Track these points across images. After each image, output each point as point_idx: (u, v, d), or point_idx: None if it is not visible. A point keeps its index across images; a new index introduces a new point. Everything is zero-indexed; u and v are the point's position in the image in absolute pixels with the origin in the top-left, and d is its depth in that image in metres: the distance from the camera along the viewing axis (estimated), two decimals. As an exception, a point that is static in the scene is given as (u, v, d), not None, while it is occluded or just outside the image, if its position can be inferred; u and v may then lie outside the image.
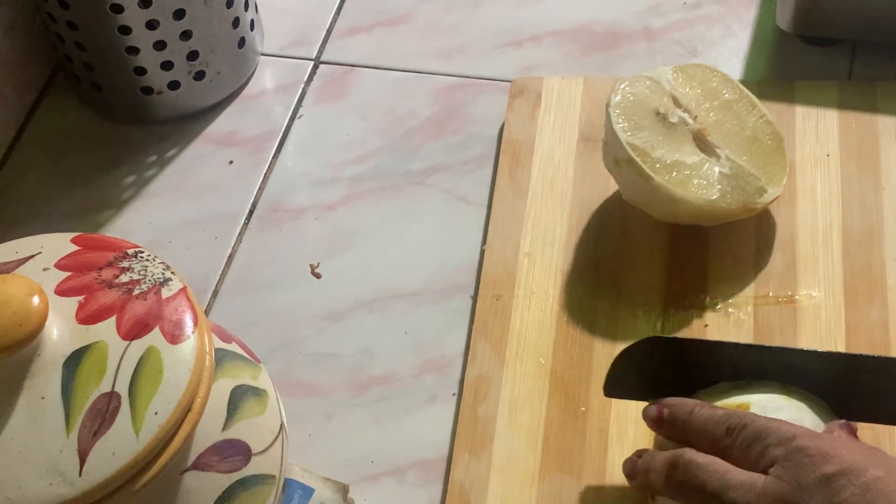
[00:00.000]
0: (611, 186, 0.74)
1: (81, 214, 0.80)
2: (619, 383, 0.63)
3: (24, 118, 0.86)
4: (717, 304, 0.69)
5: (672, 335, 0.68)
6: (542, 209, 0.75)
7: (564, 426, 0.66)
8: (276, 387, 0.62)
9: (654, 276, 0.71)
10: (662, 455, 0.57)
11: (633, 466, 0.59)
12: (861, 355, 0.61)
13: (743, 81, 0.75)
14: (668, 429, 0.59)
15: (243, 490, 0.57)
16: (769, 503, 0.52)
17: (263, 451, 0.58)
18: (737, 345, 0.62)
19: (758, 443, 0.54)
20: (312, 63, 0.87)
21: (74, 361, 0.52)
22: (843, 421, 0.58)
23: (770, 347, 0.61)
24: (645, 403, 0.62)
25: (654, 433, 0.63)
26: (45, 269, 0.55)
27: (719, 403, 0.59)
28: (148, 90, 0.81)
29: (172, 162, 0.82)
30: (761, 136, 0.71)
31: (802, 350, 0.62)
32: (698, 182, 0.68)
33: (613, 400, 0.66)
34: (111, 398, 0.51)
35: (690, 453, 0.56)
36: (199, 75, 0.82)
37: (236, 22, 0.82)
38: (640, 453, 0.60)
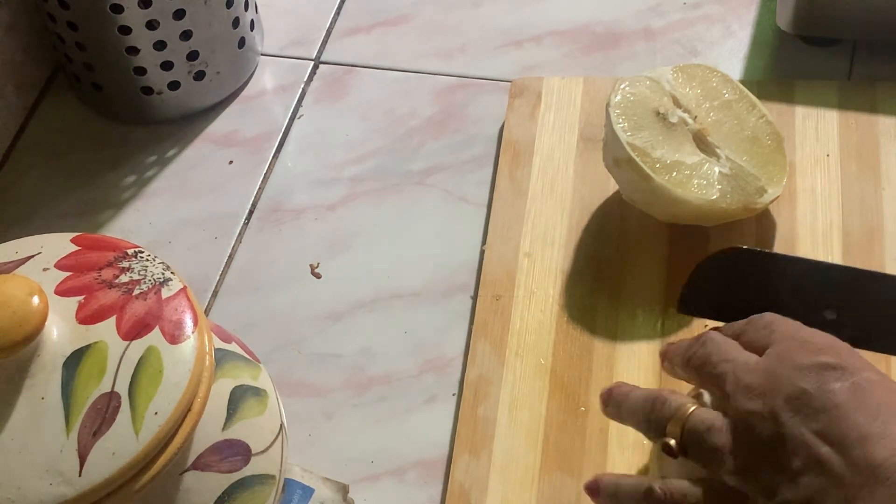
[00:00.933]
0: (611, 186, 0.74)
1: (81, 214, 0.80)
2: (695, 299, 0.63)
3: (24, 118, 0.86)
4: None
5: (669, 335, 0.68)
6: (542, 209, 0.75)
7: (564, 426, 0.66)
8: (276, 387, 0.62)
9: (654, 276, 0.71)
10: (690, 339, 0.59)
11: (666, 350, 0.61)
12: None
13: (743, 81, 0.75)
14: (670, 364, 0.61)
15: (243, 490, 0.57)
16: (756, 374, 0.53)
17: (263, 451, 0.58)
18: (826, 265, 0.63)
19: (766, 328, 0.56)
20: (312, 63, 0.87)
21: (74, 361, 0.52)
22: None
23: (856, 270, 0.63)
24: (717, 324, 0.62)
25: (652, 445, 0.63)
26: (45, 269, 0.55)
27: None
28: (148, 90, 0.81)
29: (172, 162, 0.82)
30: (761, 136, 0.71)
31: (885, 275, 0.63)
32: (698, 182, 0.68)
33: (613, 400, 0.66)
34: (111, 398, 0.51)
35: (713, 333, 0.58)
36: (199, 75, 0.82)
37: (236, 22, 0.82)
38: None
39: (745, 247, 0.64)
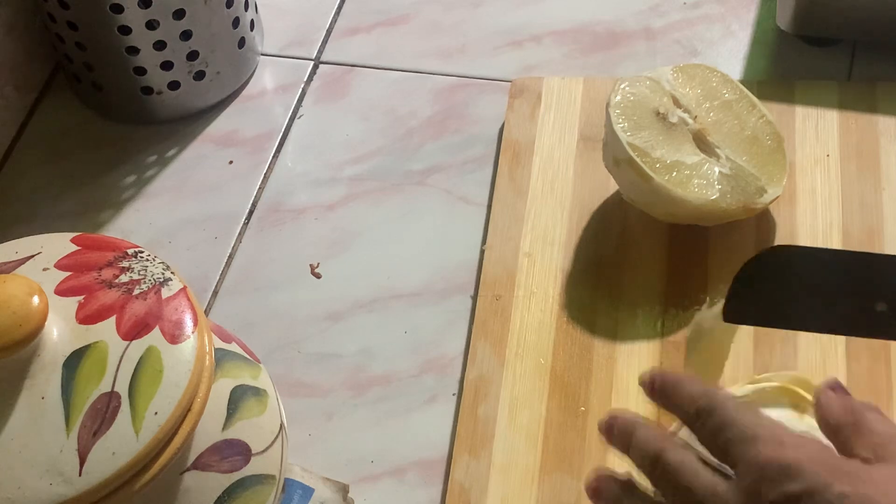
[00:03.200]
0: (611, 186, 0.74)
1: (81, 214, 0.80)
2: (740, 305, 0.61)
3: (24, 118, 0.85)
4: (717, 304, 0.69)
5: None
6: (542, 209, 0.75)
7: (564, 426, 0.66)
8: (276, 387, 0.62)
9: (654, 276, 0.71)
10: (648, 446, 0.55)
11: (610, 430, 0.57)
12: None
13: (743, 81, 0.75)
14: (657, 398, 0.57)
15: (243, 490, 0.57)
16: None
17: (263, 451, 0.58)
18: (871, 256, 0.62)
19: (721, 434, 0.52)
20: (312, 63, 0.87)
21: (74, 361, 0.52)
22: (833, 379, 0.55)
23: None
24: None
25: None
26: (45, 269, 0.55)
27: None
28: (148, 90, 0.81)
29: (172, 162, 0.82)
30: (761, 136, 0.71)
31: None
32: (698, 182, 0.68)
33: (613, 400, 0.66)
34: (111, 398, 0.51)
35: (669, 454, 0.54)
36: (199, 75, 0.82)
37: (236, 22, 0.82)
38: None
39: (785, 244, 0.62)
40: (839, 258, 0.59)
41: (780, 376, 0.63)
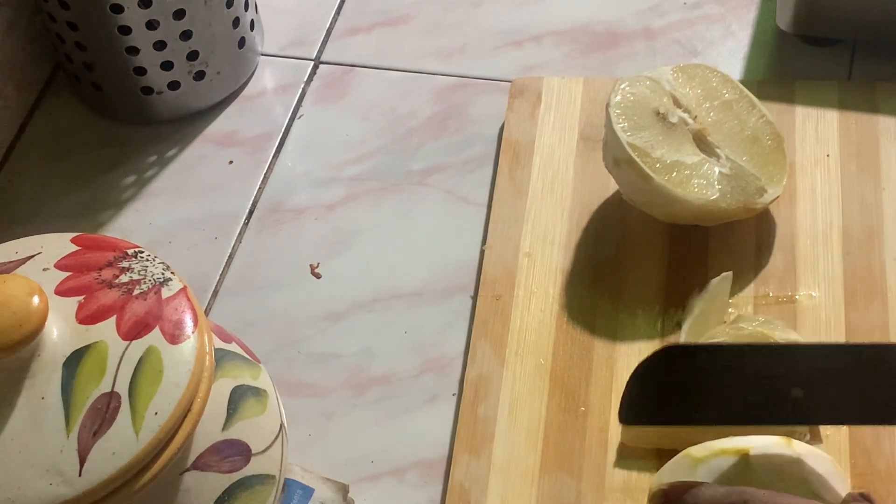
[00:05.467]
0: (611, 186, 0.74)
1: (81, 214, 0.80)
2: (636, 406, 0.57)
3: (24, 118, 0.85)
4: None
5: (691, 342, 0.66)
6: (542, 209, 0.75)
7: (564, 426, 0.66)
8: (276, 387, 0.62)
9: (654, 276, 0.71)
10: None
11: None
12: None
13: (743, 81, 0.75)
14: None
15: (243, 490, 0.57)
16: None
17: (263, 451, 0.58)
18: (762, 347, 0.58)
19: None
20: (312, 63, 0.87)
21: (74, 361, 0.52)
22: (858, 493, 0.56)
23: (798, 347, 0.59)
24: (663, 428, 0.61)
25: (654, 448, 0.64)
26: (45, 269, 0.55)
27: (717, 447, 0.58)
28: (148, 90, 0.81)
29: (172, 162, 0.82)
30: (761, 136, 0.71)
31: (828, 345, 0.59)
32: (698, 182, 0.68)
33: (613, 400, 0.66)
34: (111, 398, 0.51)
35: None
36: (199, 75, 0.82)
37: (236, 22, 0.82)
38: None
39: (682, 344, 0.61)
40: (745, 352, 0.57)
41: (755, 320, 0.64)
